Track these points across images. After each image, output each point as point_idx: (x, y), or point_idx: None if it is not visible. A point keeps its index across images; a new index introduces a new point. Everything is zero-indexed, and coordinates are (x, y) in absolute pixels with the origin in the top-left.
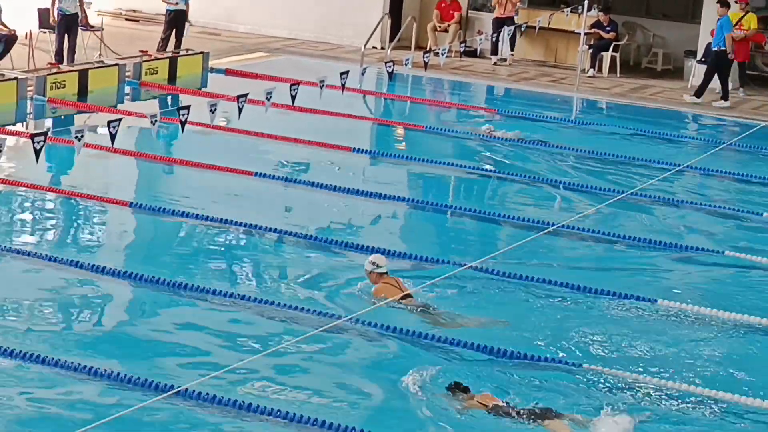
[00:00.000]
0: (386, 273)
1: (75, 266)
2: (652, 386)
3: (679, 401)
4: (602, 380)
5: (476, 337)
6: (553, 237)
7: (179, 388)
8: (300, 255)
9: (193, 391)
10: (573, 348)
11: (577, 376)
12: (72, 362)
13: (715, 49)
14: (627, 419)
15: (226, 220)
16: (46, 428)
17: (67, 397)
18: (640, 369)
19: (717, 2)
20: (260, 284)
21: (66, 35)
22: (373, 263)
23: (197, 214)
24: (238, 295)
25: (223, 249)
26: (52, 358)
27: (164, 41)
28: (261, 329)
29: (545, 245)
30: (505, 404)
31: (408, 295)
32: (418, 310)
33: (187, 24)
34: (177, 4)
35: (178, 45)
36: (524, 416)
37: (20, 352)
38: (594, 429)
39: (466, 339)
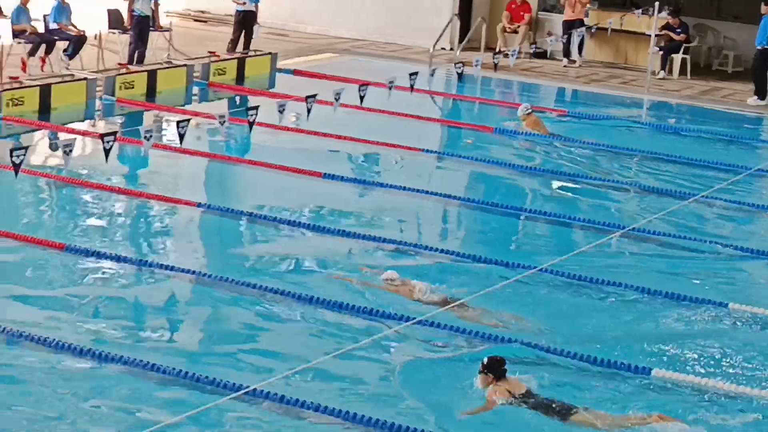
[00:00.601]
0: (401, 283)
1: (144, 266)
2: (723, 391)
3: (751, 406)
4: (672, 385)
5: (549, 339)
6: (623, 240)
7: (248, 388)
8: (369, 256)
9: (261, 390)
10: (642, 352)
11: (646, 381)
12: (142, 360)
13: (759, 47)
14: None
15: (294, 221)
16: (118, 426)
17: (137, 396)
18: (711, 373)
19: (762, 1)
20: (328, 286)
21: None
22: (387, 280)
23: (265, 215)
24: (306, 296)
25: (290, 250)
26: (123, 357)
27: (234, 42)
28: (329, 330)
29: (615, 248)
30: (528, 393)
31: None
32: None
33: (256, 26)
34: (245, 4)
35: (247, 46)
36: (547, 408)
37: (92, 350)
38: None
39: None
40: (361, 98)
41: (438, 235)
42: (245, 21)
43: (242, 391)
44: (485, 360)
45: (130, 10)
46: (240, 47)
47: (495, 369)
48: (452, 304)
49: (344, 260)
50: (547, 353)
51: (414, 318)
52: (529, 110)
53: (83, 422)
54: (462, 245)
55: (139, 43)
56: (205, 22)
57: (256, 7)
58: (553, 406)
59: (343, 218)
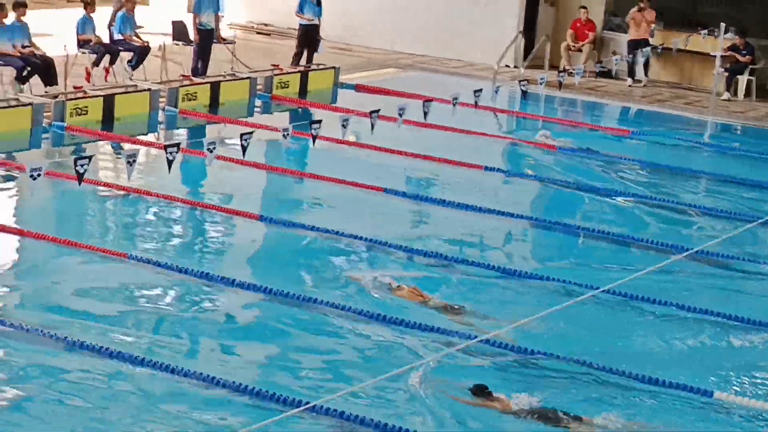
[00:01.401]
0: (398, 285)
1: (205, 278)
2: None
3: None
4: (734, 408)
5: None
6: (687, 262)
7: (308, 404)
8: (428, 272)
9: (321, 406)
10: (704, 374)
11: (708, 404)
12: (202, 373)
13: None
14: None
15: (356, 235)
16: None
17: (196, 410)
18: None
19: None
20: (388, 302)
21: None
22: (389, 287)
23: (327, 229)
24: (367, 312)
25: (351, 265)
26: (183, 369)
27: (298, 56)
28: (389, 347)
29: (678, 270)
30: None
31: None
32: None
33: (320, 39)
34: (312, 19)
35: (310, 60)
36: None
37: (150, 360)
38: None
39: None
40: (425, 114)
41: (498, 253)
42: (308, 35)
43: (303, 407)
44: (472, 387)
45: (196, 24)
46: (303, 61)
47: (482, 392)
48: (518, 323)
49: (404, 275)
50: (610, 374)
51: (476, 337)
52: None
53: None
54: (522, 264)
55: (203, 55)
56: (269, 35)
57: (319, 20)
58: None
59: (403, 234)
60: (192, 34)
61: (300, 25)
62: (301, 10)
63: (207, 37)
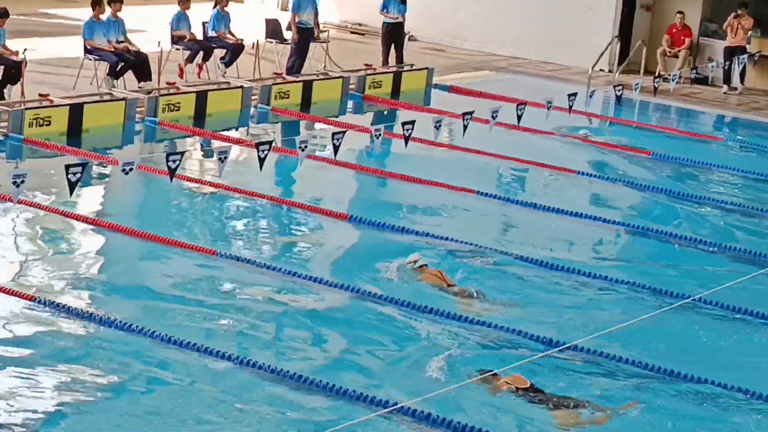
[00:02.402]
0: (425, 265)
1: (293, 276)
2: None
3: None
4: None
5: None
6: None
7: (395, 405)
8: (519, 276)
9: (408, 408)
10: None
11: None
12: (288, 371)
13: None
14: None
15: (447, 237)
16: None
17: (283, 408)
18: None
19: None
20: (482, 304)
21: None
22: (411, 261)
23: (417, 230)
24: (455, 315)
25: (442, 267)
26: (270, 366)
27: (386, 55)
28: (474, 349)
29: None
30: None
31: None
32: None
33: (406, 37)
34: (396, 18)
35: (400, 59)
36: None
37: (239, 357)
38: None
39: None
40: (519, 117)
41: (589, 259)
42: (392, 33)
43: (390, 408)
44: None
45: (295, 22)
46: (392, 61)
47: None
48: (608, 330)
49: (493, 278)
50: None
51: (564, 343)
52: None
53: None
54: (613, 270)
55: (301, 53)
56: (362, 34)
57: (404, 18)
58: (560, 399)
59: (495, 237)
60: (289, 33)
61: (384, 23)
62: (385, 8)
63: (306, 36)
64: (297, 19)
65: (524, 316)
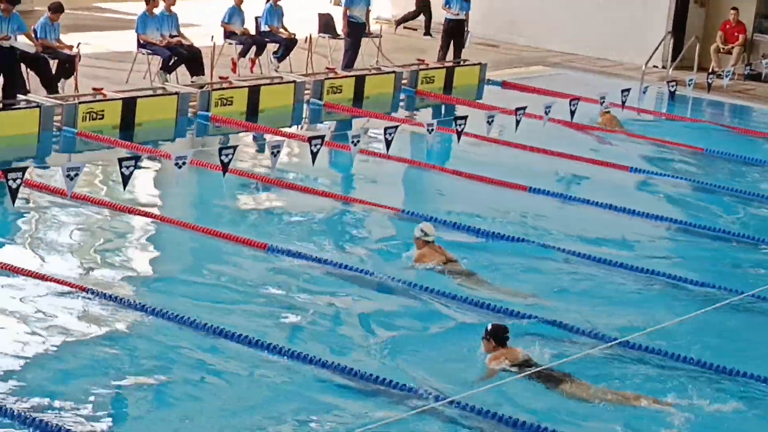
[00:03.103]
0: (432, 242)
1: (345, 269)
2: None
3: None
4: None
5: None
6: None
7: (446, 399)
8: (572, 272)
9: (459, 402)
10: None
11: None
12: (340, 364)
13: None
14: None
15: (498, 233)
16: (315, 429)
17: (335, 400)
18: None
19: None
20: (531, 299)
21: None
22: (422, 231)
23: (468, 226)
24: (506, 309)
25: (495, 261)
26: (322, 360)
27: (444, 51)
28: (529, 344)
29: None
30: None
31: (452, 261)
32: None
33: (467, 34)
34: (458, 14)
35: (457, 55)
36: (543, 377)
37: (292, 351)
38: None
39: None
40: (572, 113)
41: (642, 256)
42: (454, 30)
43: (440, 402)
44: (489, 326)
45: (347, 17)
46: (449, 56)
47: (497, 336)
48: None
49: (545, 275)
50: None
51: (614, 339)
52: (607, 109)
53: (281, 423)
54: (664, 264)
55: (353, 48)
56: (415, 29)
57: (467, 15)
58: (554, 375)
59: (547, 233)
60: (342, 27)
61: (446, 19)
62: (447, 3)
63: (357, 31)
64: (348, 14)
65: (576, 311)
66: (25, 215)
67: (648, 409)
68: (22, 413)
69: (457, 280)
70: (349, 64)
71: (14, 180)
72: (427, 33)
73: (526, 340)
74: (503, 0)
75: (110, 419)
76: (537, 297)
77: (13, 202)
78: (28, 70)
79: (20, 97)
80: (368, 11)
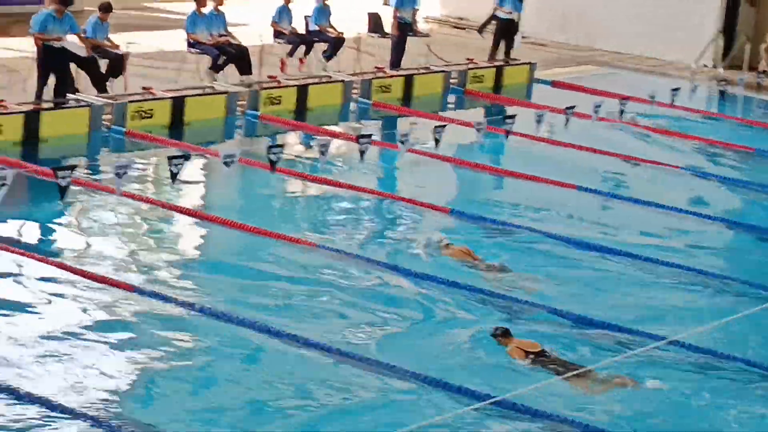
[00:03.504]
0: (450, 243)
1: (391, 269)
2: None
3: None
4: None
5: None
6: None
7: (494, 398)
8: (620, 271)
9: (510, 401)
10: None
11: None
12: (389, 363)
13: None
14: None
15: (547, 232)
16: (364, 426)
17: (383, 398)
18: None
19: None
20: (582, 299)
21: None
22: (438, 241)
23: (517, 225)
24: (554, 309)
25: (543, 261)
26: (370, 358)
27: (494, 50)
28: (574, 344)
29: None
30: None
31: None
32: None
33: (518, 34)
34: (510, 13)
35: (507, 55)
36: (558, 366)
37: (339, 349)
38: None
39: None
40: (621, 112)
41: (692, 255)
42: (505, 29)
43: (488, 401)
44: (495, 330)
45: (396, 18)
46: (500, 55)
47: (505, 333)
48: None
49: (594, 274)
50: None
51: (664, 338)
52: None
53: (330, 421)
54: (714, 264)
55: (399, 48)
56: (464, 29)
57: (519, 16)
58: (568, 365)
59: (596, 231)
60: (391, 28)
61: (498, 18)
62: (501, 2)
63: (405, 30)
64: (397, 15)
65: (624, 310)
66: (74, 212)
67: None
68: (75, 409)
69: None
70: (396, 63)
71: (64, 178)
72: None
73: (572, 339)
74: (553, 0)
75: (152, 410)
76: (582, 295)
77: (62, 199)
78: (78, 69)
79: (70, 96)
80: (415, 11)
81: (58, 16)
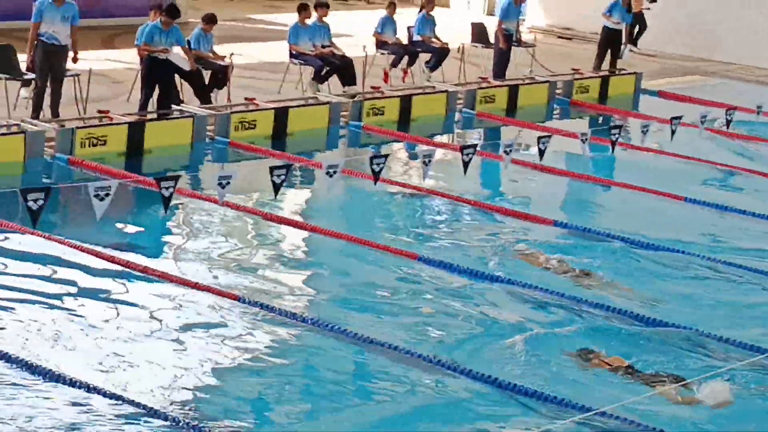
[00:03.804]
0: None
1: (495, 281)
2: None
3: None
4: None
5: None
6: None
7: (596, 410)
8: (729, 283)
9: (611, 414)
10: None
11: None
12: (484, 374)
13: None
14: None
15: (653, 244)
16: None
17: (481, 409)
18: None
19: None
20: (684, 307)
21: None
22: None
23: (623, 237)
24: (644, 317)
25: (646, 274)
26: (467, 369)
27: (600, 60)
28: (677, 355)
29: None
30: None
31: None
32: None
33: (625, 47)
34: (618, 23)
35: (613, 64)
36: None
37: (440, 360)
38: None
39: None
40: (728, 123)
41: None
42: (611, 39)
43: (590, 413)
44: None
45: (501, 30)
46: (605, 66)
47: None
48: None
49: (701, 286)
50: None
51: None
52: None
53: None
54: None
55: (504, 59)
56: (570, 39)
57: (626, 27)
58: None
59: (704, 243)
60: (495, 39)
61: (604, 28)
62: (609, 12)
63: (510, 42)
64: (502, 26)
65: (728, 322)
66: (177, 222)
67: None
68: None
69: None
70: (499, 74)
71: (167, 189)
72: (634, 43)
73: (674, 350)
74: (659, 9)
75: (245, 413)
76: (690, 307)
77: (165, 210)
78: (182, 80)
79: (174, 107)
80: (520, 22)
81: (165, 28)
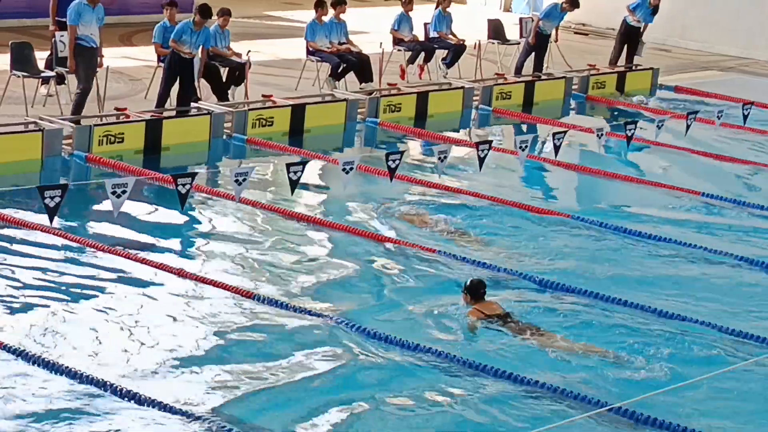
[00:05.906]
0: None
1: (512, 274)
2: None
3: None
4: None
5: None
6: None
7: (611, 405)
8: (745, 281)
9: (626, 409)
10: None
11: None
12: (505, 371)
13: None
14: None
15: (669, 238)
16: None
17: (500, 405)
18: None
19: None
20: (697, 306)
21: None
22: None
23: (639, 232)
24: (680, 315)
25: (666, 268)
26: (497, 369)
27: (617, 54)
28: (701, 351)
29: None
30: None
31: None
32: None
33: (642, 45)
34: (639, 22)
35: (630, 60)
36: (517, 330)
37: (472, 363)
38: None
39: None
40: (745, 118)
41: None
42: (630, 35)
43: (605, 408)
44: (467, 281)
45: (537, 28)
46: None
47: (473, 290)
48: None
49: (715, 279)
50: None
51: None
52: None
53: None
54: None
55: (541, 53)
56: (586, 35)
57: (645, 26)
58: (530, 329)
59: (722, 239)
60: (529, 33)
61: (625, 23)
62: (634, 9)
63: (542, 42)
64: (538, 25)
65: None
66: (193, 219)
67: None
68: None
69: None
70: (519, 68)
71: (184, 186)
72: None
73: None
74: (679, 5)
75: (270, 414)
76: (708, 305)
77: (182, 206)
78: (200, 78)
79: (192, 104)
80: (558, 27)
81: (197, 28)
